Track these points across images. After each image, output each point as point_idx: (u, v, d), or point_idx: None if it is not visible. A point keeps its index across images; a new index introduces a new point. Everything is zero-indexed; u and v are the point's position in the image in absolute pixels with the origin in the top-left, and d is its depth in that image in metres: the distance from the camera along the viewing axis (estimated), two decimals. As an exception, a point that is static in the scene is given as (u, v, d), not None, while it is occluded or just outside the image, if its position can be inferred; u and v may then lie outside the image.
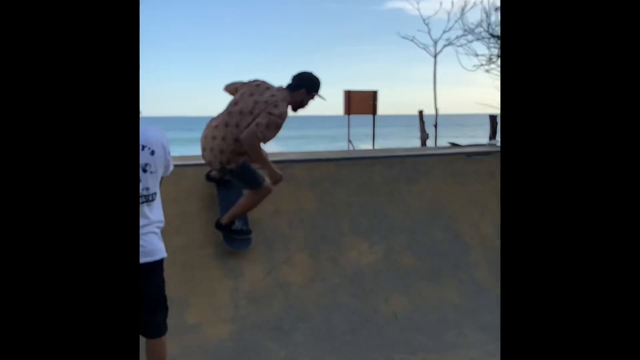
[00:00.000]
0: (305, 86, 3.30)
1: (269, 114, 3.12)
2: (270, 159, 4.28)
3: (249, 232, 3.52)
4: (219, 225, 3.43)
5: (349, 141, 10.12)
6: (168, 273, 3.28)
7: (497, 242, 4.18)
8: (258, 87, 3.31)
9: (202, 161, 4.17)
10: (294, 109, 3.34)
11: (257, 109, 3.16)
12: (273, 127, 3.14)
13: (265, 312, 3.29)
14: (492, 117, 8.88)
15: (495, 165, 4.72)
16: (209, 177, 3.69)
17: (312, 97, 3.34)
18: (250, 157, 3.21)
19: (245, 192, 3.41)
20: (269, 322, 3.23)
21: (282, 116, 3.16)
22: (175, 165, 3.90)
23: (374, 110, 9.64)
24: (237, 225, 3.47)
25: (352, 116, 9.76)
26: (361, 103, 9.43)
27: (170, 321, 3.08)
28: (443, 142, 9.19)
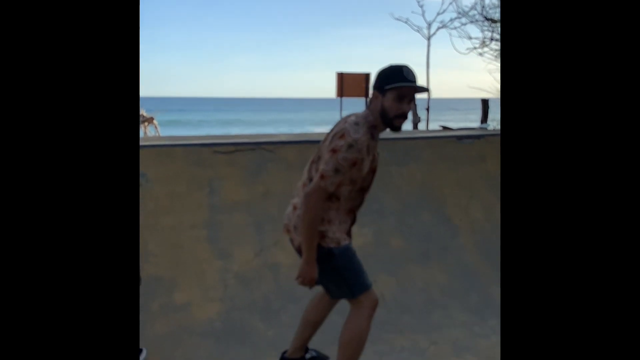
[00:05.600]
0: (376, 87, 2.19)
1: (332, 151, 2.08)
2: (261, 139, 4.30)
3: None
4: None
5: (341, 124, 10.09)
6: (157, 253, 3.30)
7: (486, 225, 4.22)
8: (339, 121, 2.25)
9: (193, 141, 4.16)
10: (388, 125, 2.18)
11: (323, 149, 2.17)
12: (346, 167, 2.07)
13: (254, 292, 3.31)
14: (484, 101, 8.88)
15: (485, 149, 4.75)
16: None
17: (397, 95, 2.11)
18: (301, 224, 2.15)
19: (345, 321, 2.29)
20: (257, 302, 3.26)
21: (355, 144, 2.06)
22: (164, 146, 3.90)
23: (366, 93, 9.64)
24: None
25: (345, 99, 9.75)
26: (353, 85, 9.43)
27: (159, 301, 3.11)
28: (435, 125, 9.21)
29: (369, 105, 2.23)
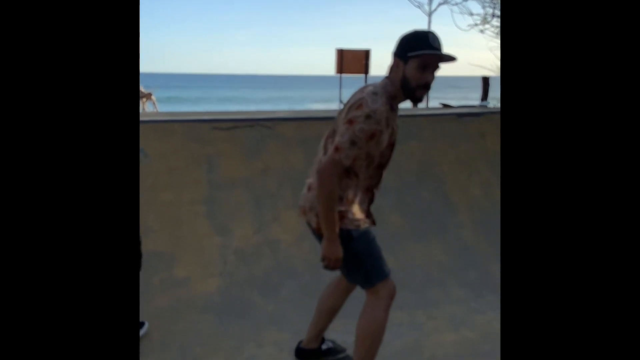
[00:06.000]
0: (397, 55, 1.99)
1: (349, 122, 1.91)
2: (260, 116, 4.27)
3: None
4: None
5: (341, 102, 10.06)
6: (157, 228, 3.32)
7: (484, 203, 4.23)
8: (356, 91, 2.07)
9: (191, 117, 4.13)
10: (409, 96, 2.01)
11: (339, 122, 2.00)
12: (363, 139, 1.90)
13: (254, 268, 3.33)
14: (485, 79, 8.81)
15: (485, 127, 4.73)
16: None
17: (421, 64, 1.93)
18: (317, 202, 1.99)
19: (361, 311, 2.19)
20: (257, 277, 3.28)
21: (373, 115, 1.89)
22: (163, 121, 3.88)
23: (366, 70, 9.56)
24: None
25: (345, 77, 9.68)
26: (353, 62, 9.36)
27: (160, 275, 3.13)
28: (435, 103, 9.16)
29: (388, 74, 2.04)
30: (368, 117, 1.89)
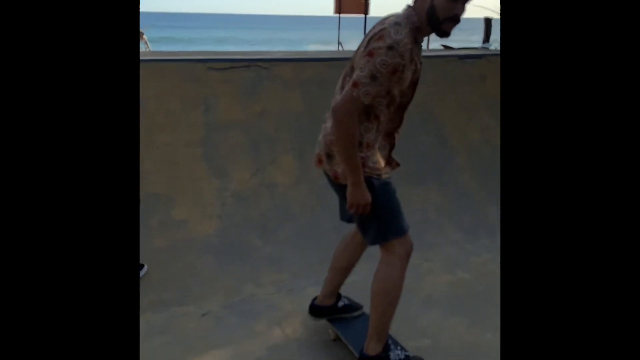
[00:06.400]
0: None
1: (369, 55, 1.71)
2: (257, 57, 4.16)
3: None
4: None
5: (339, 43, 9.81)
6: (154, 170, 3.30)
7: (483, 147, 4.22)
8: (377, 23, 1.85)
9: (187, 57, 4.02)
10: (435, 29, 1.79)
11: (358, 57, 1.80)
12: (385, 74, 1.70)
13: (252, 211, 3.35)
14: (487, 20, 8.56)
15: (487, 69, 4.64)
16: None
17: None
18: (335, 145, 1.81)
19: (376, 270, 2.02)
20: (255, 220, 3.30)
21: (396, 47, 1.68)
22: (157, 61, 3.78)
23: (365, 10, 9.28)
24: (397, 354, 2.06)
25: (344, 18, 9.40)
26: (353, 1, 9.06)
27: (158, 216, 3.14)
28: (436, 44, 8.94)
29: (413, 3, 1.82)
30: (390, 48, 1.68)
